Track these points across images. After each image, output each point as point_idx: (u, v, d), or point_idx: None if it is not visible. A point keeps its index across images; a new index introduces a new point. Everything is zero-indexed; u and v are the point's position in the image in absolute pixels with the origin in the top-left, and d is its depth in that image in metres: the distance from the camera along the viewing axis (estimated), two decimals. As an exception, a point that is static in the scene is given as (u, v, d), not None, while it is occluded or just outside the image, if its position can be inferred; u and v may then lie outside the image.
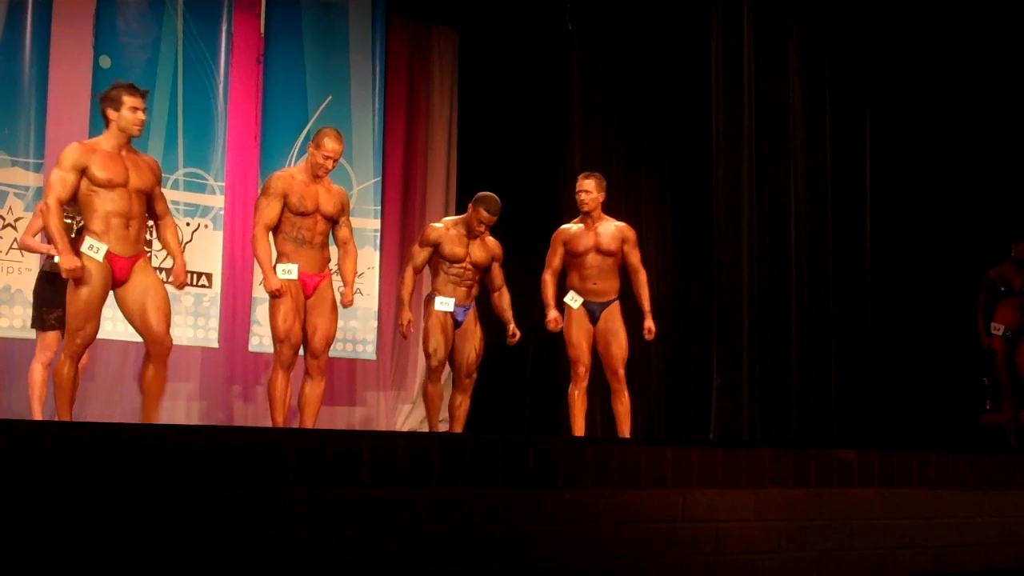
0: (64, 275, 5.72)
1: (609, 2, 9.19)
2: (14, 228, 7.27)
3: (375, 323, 8.68)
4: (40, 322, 6.80)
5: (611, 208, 7.67)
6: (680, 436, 7.51)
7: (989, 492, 5.85)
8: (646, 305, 7.24)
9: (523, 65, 9.54)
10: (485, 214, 7.13)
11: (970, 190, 8.61)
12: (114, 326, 7.07)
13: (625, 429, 7.25)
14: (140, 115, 5.88)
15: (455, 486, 4.96)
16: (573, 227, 7.35)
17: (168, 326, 5.93)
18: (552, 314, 7.23)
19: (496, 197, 7.16)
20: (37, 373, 6.80)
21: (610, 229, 7.30)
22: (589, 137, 9.11)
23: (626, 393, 7.24)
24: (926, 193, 8.52)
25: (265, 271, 6.44)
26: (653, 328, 7.23)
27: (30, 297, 7.26)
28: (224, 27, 8.31)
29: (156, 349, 5.89)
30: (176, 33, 8.12)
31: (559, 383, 9.02)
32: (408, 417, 9.34)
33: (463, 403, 7.31)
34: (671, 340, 7.39)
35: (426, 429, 7.82)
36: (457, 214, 7.70)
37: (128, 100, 5.86)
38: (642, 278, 7.30)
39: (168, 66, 8.08)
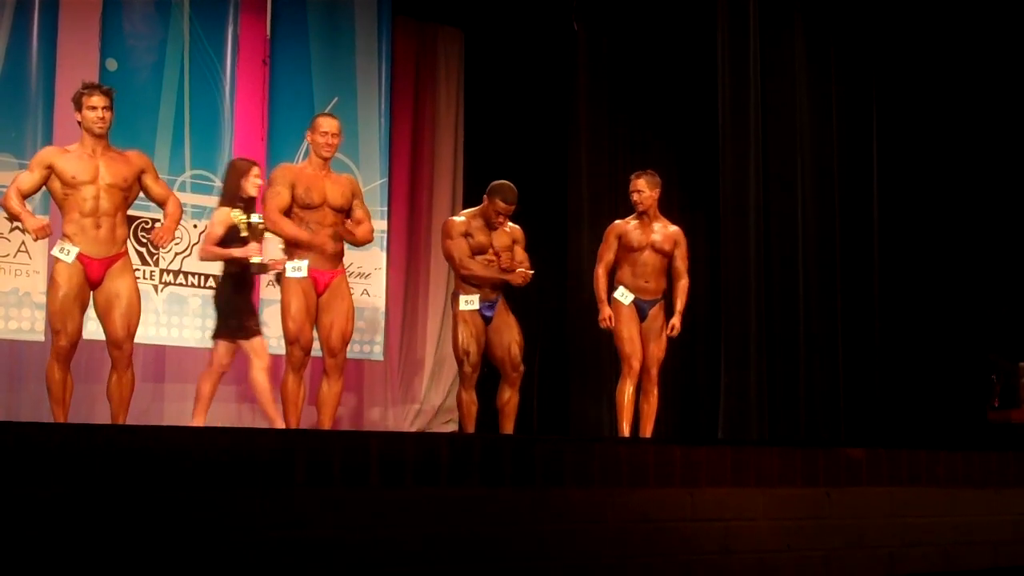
0: (33, 236, 6.06)
1: (614, 1, 9.19)
2: (22, 232, 7.27)
3: (383, 323, 8.68)
4: (243, 331, 7.07)
5: (620, 207, 7.69)
6: (688, 435, 7.51)
7: (999, 490, 5.86)
8: (679, 306, 7.28)
9: (529, 64, 9.54)
10: (502, 204, 6.97)
11: (977, 185, 8.59)
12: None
13: (648, 428, 7.25)
14: (99, 113, 6.03)
15: (464, 486, 4.97)
16: (629, 222, 7.33)
17: (130, 333, 6.08)
18: (606, 311, 7.20)
19: (512, 185, 7.00)
20: (260, 381, 7.08)
21: (666, 230, 7.31)
22: (595, 135, 9.11)
23: (656, 393, 7.26)
24: (933, 189, 8.51)
25: (299, 239, 6.41)
26: (678, 327, 7.25)
27: (38, 300, 7.30)
28: (230, 29, 8.33)
29: (116, 354, 6.07)
30: (183, 35, 8.14)
31: (567, 382, 9.04)
32: (416, 418, 9.34)
33: (512, 398, 7.05)
34: (678, 338, 7.37)
35: (433, 430, 7.82)
36: (450, 217, 7.59)
37: (86, 100, 6.03)
38: (684, 283, 7.31)
39: (175, 68, 8.10)
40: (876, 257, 8.38)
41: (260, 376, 7.12)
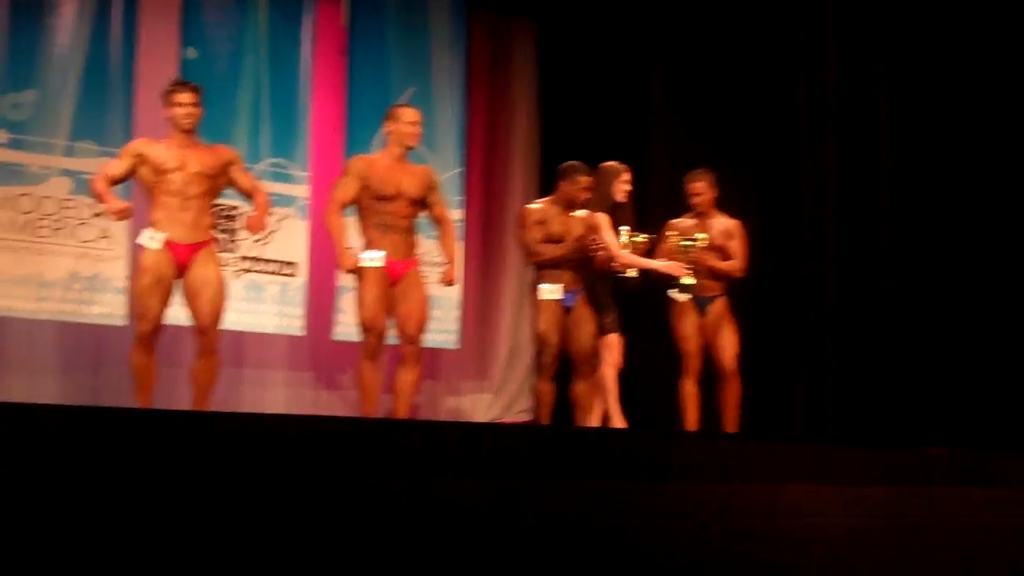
0: (114, 217, 6.26)
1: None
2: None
3: (458, 312, 8.67)
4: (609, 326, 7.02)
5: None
6: (764, 431, 7.42)
7: (1083, 491, 5.73)
8: (722, 265, 7.23)
9: (604, 53, 9.46)
10: (585, 179, 6.96)
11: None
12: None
13: (731, 421, 7.17)
14: (187, 109, 6.16)
15: (539, 479, 4.94)
16: (684, 222, 7.29)
17: (216, 319, 6.19)
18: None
19: (580, 162, 7.05)
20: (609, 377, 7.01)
21: (721, 225, 7.25)
22: (672, 125, 9.02)
23: (736, 384, 7.19)
24: (1017, 192, 8.32)
25: (339, 249, 6.43)
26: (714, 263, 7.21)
27: (119, 285, 7.36)
28: (308, 18, 8.34)
29: (201, 340, 6.18)
30: (261, 24, 8.15)
31: (636, 375, 8.94)
32: (490, 407, 9.32)
33: (587, 390, 7.00)
34: (753, 333, 7.29)
35: (509, 420, 7.80)
36: (525, 205, 7.54)
37: (174, 97, 6.16)
38: (736, 264, 7.27)
39: (253, 57, 8.12)
40: (957, 255, 8.21)
41: (611, 373, 7.04)
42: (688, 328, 7.22)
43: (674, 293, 7.21)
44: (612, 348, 6.98)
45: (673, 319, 7.27)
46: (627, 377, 8.23)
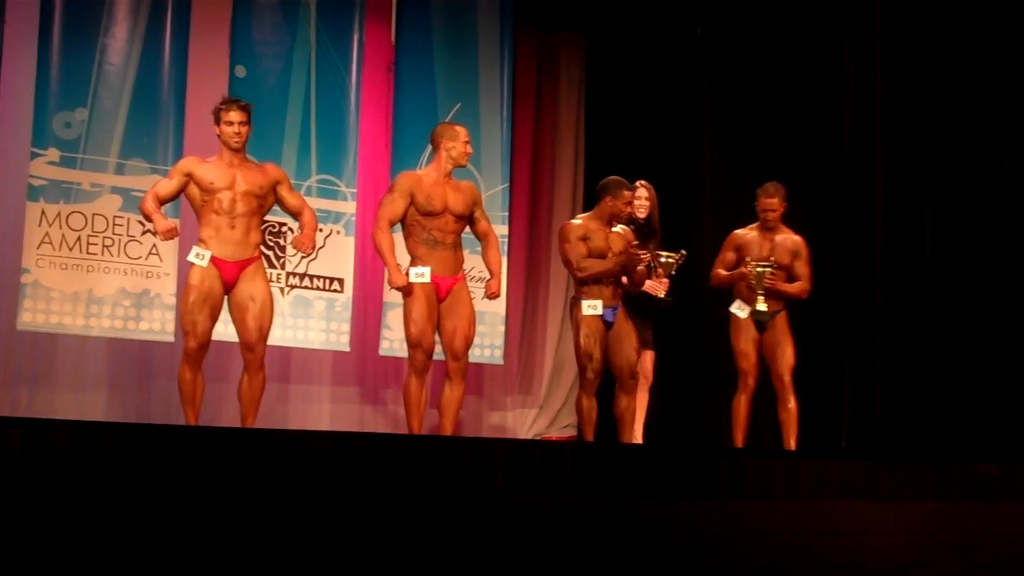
0: (161, 237, 6.23)
1: (738, 7, 9.04)
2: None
3: (502, 327, 8.63)
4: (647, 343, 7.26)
5: (743, 212, 7.56)
6: (814, 448, 7.34)
7: None
8: (789, 288, 7.18)
9: (650, 70, 9.42)
10: (628, 193, 6.99)
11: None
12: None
13: (791, 438, 7.11)
14: (236, 128, 6.20)
15: (584, 496, 4.90)
16: (748, 233, 7.25)
17: (263, 335, 6.21)
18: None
19: (622, 178, 7.05)
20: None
21: (787, 242, 7.19)
22: (719, 142, 8.98)
23: (793, 401, 7.13)
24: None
25: (389, 266, 6.45)
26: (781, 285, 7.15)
27: (168, 301, 7.39)
28: (356, 36, 8.33)
29: (248, 356, 6.19)
30: (309, 42, 8.16)
31: (686, 391, 8.89)
32: (534, 423, 9.29)
33: (629, 405, 6.97)
34: (802, 349, 7.22)
35: (553, 435, 7.77)
36: (568, 221, 7.52)
37: (224, 114, 6.22)
38: (802, 285, 7.20)
39: (301, 75, 8.13)
40: (1008, 271, 8.12)
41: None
42: (747, 344, 7.17)
43: (735, 309, 7.19)
44: (644, 364, 7.14)
45: (733, 335, 7.23)
46: (669, 393, 8.21)
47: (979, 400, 7.90)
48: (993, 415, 7.89)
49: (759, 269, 7.03)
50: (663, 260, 7.13)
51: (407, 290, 6.41)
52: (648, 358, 7.51)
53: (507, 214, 8.71)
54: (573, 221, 7.19)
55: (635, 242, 7.08)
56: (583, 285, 6.98)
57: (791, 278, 7.23)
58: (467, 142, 6.58)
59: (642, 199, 7.45)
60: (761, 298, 7.02)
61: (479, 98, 8.72)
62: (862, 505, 5.10)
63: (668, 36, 9.34)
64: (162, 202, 6.21)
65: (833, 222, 8.49)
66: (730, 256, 7.30)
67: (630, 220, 7.23)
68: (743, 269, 7.15)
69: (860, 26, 8.32)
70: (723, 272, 7.29)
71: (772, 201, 7.20)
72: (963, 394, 7.90)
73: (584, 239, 6.96)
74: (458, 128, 6.64)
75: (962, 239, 8.11)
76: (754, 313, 7.09)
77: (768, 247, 7.19)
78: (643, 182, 7.55)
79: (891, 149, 8.13)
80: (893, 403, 7.87)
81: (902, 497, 5.19)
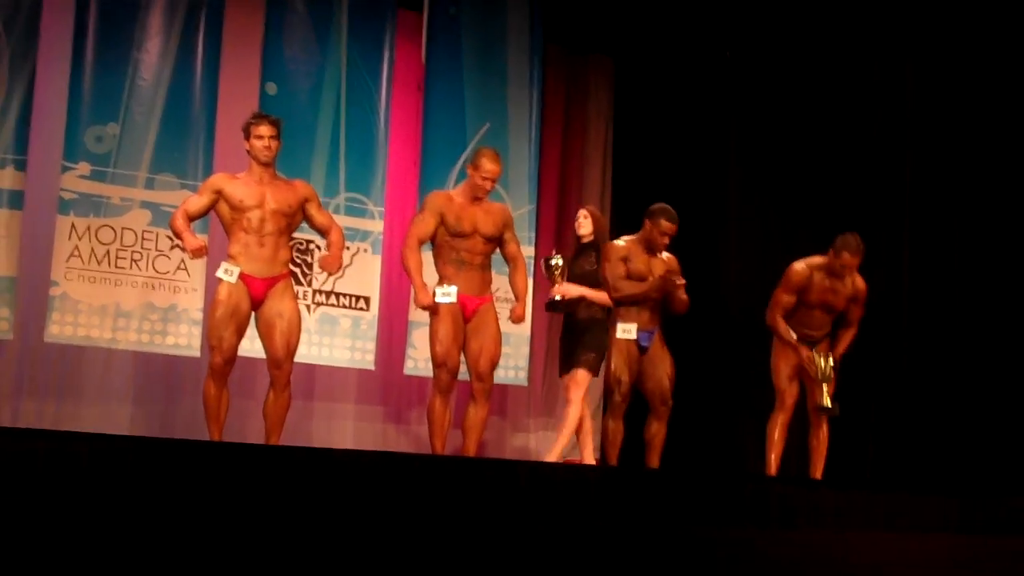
0: (190, 255, 6.22)
1: (766, 31, 9.01)
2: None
3: (527, 349, 8.61)
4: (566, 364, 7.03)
5: (773, 236, 7.50)
6: (838, 478, 7.30)
7: None
8: (839, 349, 7.12)
9: (679, 93, 9.41)
10: (667, 224, 6.92)
11: None
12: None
13: (819, 467, 7.06)
14: (266, 142, 6.20)
15: (606, 520, 4.87)
16: (812, 273, 7.07)
17: (290, 352, 6.20)
18: (805, 353, 6.99)
19: (672, 208, 6.96)
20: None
21: (853, 289, 7.09)
22: (749, 165, 8.93)
23: (825, 429, 7.10)
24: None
25: (416, 285, 6.43)
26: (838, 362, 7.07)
27: (195, 316, 7.40)
28: (387, 55, 8.34)
29: (275, 373, 6.18)
30: (340, 61, 8.17)
31: (716, 417, 8.83)
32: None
33: (659, 431, 6.99)
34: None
35: (576, 458, 7.72)
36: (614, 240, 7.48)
37: (254, 129, 6.21)
38: (852, 333, 7.16)
39: (332, 93, 8.14)
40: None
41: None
42: (788, 367, 7.08)
43: (783, 333, 7.13)
44: (580, 385, 6.94)
45: (774, 356, 7.17)
46: (697, 415, 8.16)
47: (1005, 432, 7.82)
48: (1019, 447, 7.82)
49: (826, 365, 6.90)
50: (824, 373, 6.97)
51: (433, 309, 6.39)
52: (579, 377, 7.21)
53: (534, 234, 8.70)
54: (616, 242, 7.17)
55: (675, 269, 7.05)
56: (619, 306, 6.98)
57: (840, 314, 7.11)
58: (486, 178, 6.44)
59: (579, 219, 7.28)
60: (827, 394, 6.88)
61: (508, 119, 8.72)
62: (886, 536, 5.05)
63: (697, 59, 9.32)
64: (192, 219, 6.21)
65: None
66: (791, 300, 7.10)
67: (576, 239, 7.16)
68: (807, 362, 6.99)
69: (890, 53, 8.28)
70: (784, 325, 7.08)
71: (855, 261, 6.99)
72: (987, 426, 7.82)
73: (625, 260, 6.96)
74: (484, 159, 6.50)
75: (993, 271, 8.05)
76: (819, 408, 6.97)
77: (830, 296, 7.06)
78: (589, 207, 7.44)
79: (920, 180, 8.08)
80: (918, 434, 7.79)
81: (927, 528, 5.14)
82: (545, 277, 6.95)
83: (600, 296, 6.92)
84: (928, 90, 8.20)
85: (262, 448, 5.67)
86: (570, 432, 7.13)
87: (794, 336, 7.01)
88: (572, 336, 6.97)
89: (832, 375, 6.90)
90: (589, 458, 7.26)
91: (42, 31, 7.32)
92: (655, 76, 9.57)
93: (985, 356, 7.88)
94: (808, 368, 6.94)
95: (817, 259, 7.10)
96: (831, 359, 6.95)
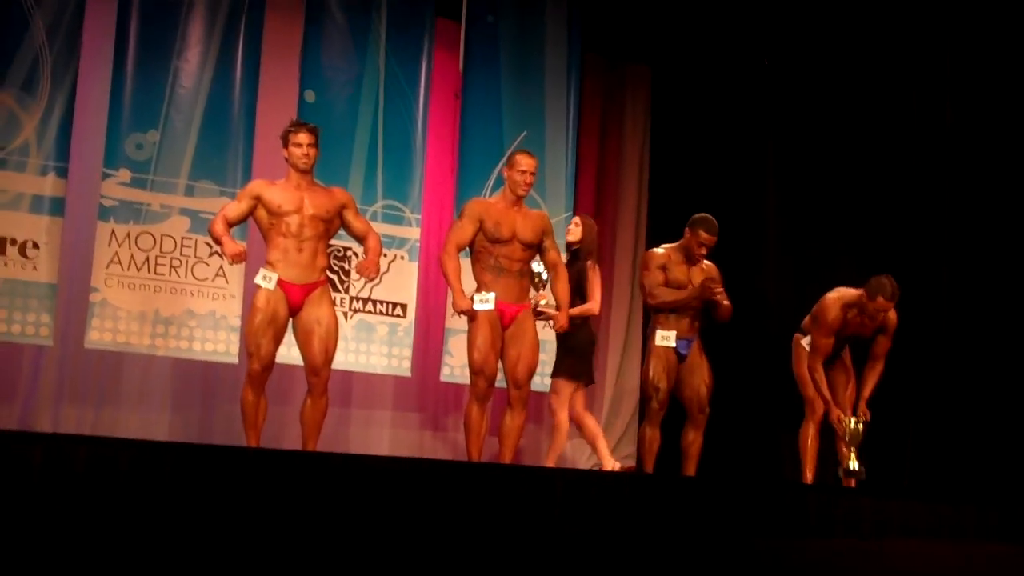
0: (230, 260, 6.19)
1: (804, 39, 8.96)
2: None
3: (565, 357, 8.56)
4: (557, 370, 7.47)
5: (812, 248, 7.45)
6: (876, 486, 7.26)
7: None
8: (866, 391, 7.08)
9: (717, 101, 9.37)
10: (705, 235, 6.89)
11: None
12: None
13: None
14: (304, 149, 6.23)
15: (642, 529, 4.85)
16: (847, 312, 7.03)
17: (328, 359, 6.20)
18: (836, 412, 6.96)
19: (713, 219, 6.93)
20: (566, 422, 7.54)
21: (888, 321, 7.04)
22: (787, 175, 8.89)
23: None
24: None
25: (454, 290, 6.43)
26: (867, 414, 7.02)
27: (233, 323, 7.44)
28: (424, 63, 8.35)
29: (313, 380, 6.19)
30: (378, 69, 8.19)
31: (749, 426, 8.79)
32: (593, 454, 9.21)
33: (696, 440, 6.98)
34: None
35: (608, 467, 7.71)
36: (652, 247, 7.48)
37: (292, 137, 6.26)
38: (879, 369, 7.11)
39: (370, 101, 8.16)
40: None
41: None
42: (818, 376, 7.05)
43: (805, 343, 7.11)
44: (560, 393, 7.30)
45: (795, 363, 7.16)
46: (734, 424, 8.12)
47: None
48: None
49: (855, 426, 6.83)
50: (852, 432, 6.90)
51: (471, 315, 6.38)
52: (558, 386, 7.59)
53: (570, 243, 8.66)
54: (656, 249, 7.17)
55: (715, 277, 7.02)
56: (658, 314, 6.99)
57: (863, 342, 7.07)
58: (524, 171, 6.47)
59: (570, 226, 7.57)
60: (854, 457, 6.80)
61: (545, 127, 8.71)
62: (924, 544, 5.00)
63: (735, 68, 9.28)
64: (231, 225, 6.23)
65: (896, 263, 8.37)
66: (830, 342, 7.06)
67: (567, 245, 7.40)
68: (836, 423, 6.94)
69: (932, 61, 8.22)
70: (822, 375, 7.02)
71: (889, 306, 6.92)
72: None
73: (663, 268, 6.95)
74: (517, 156, 6.56)
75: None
76: (846, 472, 6.89)
77: (861, 328, 7.01)
78: (581, 215, 7.68)
79: (961, 192, 8.01)
80: (956, 441, 7.73)
81: (966, 537, 5.09)
82: (530, 284, 6.93)
83: (583, 309, 7.19)
84: (971, 104, 8.13)
85: (299, 455, 5.69)
86: (561, 441, 7.48)
87: (828, 393, 6.96)
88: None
89: (861, 436, 6.81)
90: (608, 461, 7.33)
91: (84, 39, 7.38)
92: (692, 85, 9.53)
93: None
94: (836, 428, 6.91)
95: (851, 294, 7.02)
96: (861, 419, 6.88)
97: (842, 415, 6.92)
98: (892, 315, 7.04)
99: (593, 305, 7.45)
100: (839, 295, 7.03)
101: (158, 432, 7.70)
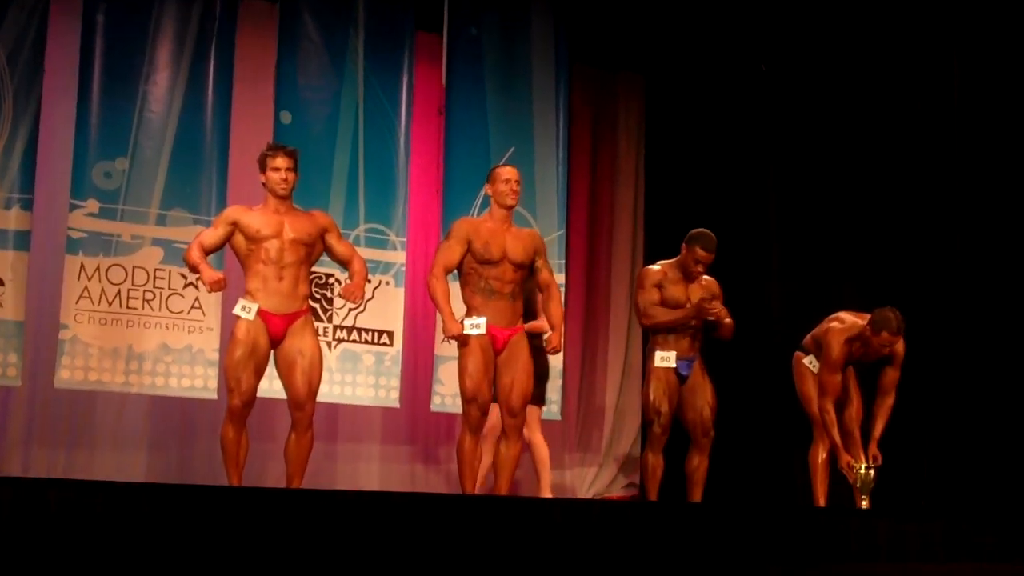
0: (208, 288, 6.13)
1: (803, 43, 8.98)
2: (196, 287, 7.40)
3: (560, 381, 8.58)
4: None
5: (814, 260, 7.45)
6: (893, 507, 7.25)
7: None
8: (876, 431, 7.01)
9: (714, 110, 9.36)
10: (702, 252, 6.86)
11: None
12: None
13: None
14: (283, 174, 6.21)
15: (646, 560, 4.85)
16: (851, 346, 6.96)
17: (312, 392, 6.17)
18: (846, 459, 6.89)
19: (712, 234, 6.90)
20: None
21: (895, 353, 6.99)
22: (788, 186, 8.88)
23: (862, 454, 7.01)
24: None
25: (444, 315, 6.39)
26: (879, 458, 6.97)
27: (211, 357, 7.42)
28: (405, 79, 8.37)
29: (296, 415, 6.15)
30: (357, 87, 8.21)
31: (754, 448, 8.79)
32: (594, 481, 9.21)
33: (701, 464, 6.95)
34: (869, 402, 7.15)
35: (615, 494, 7.72)
36: (649, 264, 7.48)
37: (270, 161, 6.24)
38: (889, 403, 7.05)
39: (349, 120, 8.17)
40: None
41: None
42: (814, 389, 7.06)
43: (807, 361, 7.12)
44: (531, 418, 7.20)
45: (797, 380, 7.16)
46: (744, 447, 8.11)
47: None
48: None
49: (865, 471, 6.78)
50: (862, 478, 6.81)
51: (462, 340, 6.37)
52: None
53: (564, 261, 8.69)
54: (651, 267, 7.15)
55: (716, 294, 7.01)
56: (655, 334, 6.97)
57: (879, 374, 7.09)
58: (508, 179, 6.47)
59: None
60: (866, 502, 6.75)
61: (534, 141, 8.73)
62: (943, 568, 5.00)
63: (732, 75, 9.28)
64: (207, 252, 6.21)
65: (901, 268, 8.38)
66: (838, 380, 7.00)
67: None
68: (846, 469, 6.88)
69: (934, 59, 8.25)
70: (832, 417, 6.92)
71: (894, 340, 6.84)
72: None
73: (659, 286, 6.94)
74: (497, 169, 6.59)
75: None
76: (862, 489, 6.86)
77: (865, 357, 6.99)
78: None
79: (970, 200, 8.02)
80: (976, 458, 7.73)
81: (985, 559, 5.08)
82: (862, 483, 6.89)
83: (534, 326, 7.05)
84: (980, 107, 8.15)
85: (284, 493, 5.67)
86: (546, 463, 7.53)
87: (839, 439, 6.93)
88: None
89: (873, 482, 6.78)
90: (546, 491, 7.32)
91: (47, 64, 7.40)
92: (688, 93, 9.53)
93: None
94: (847, 475, 6.88)
95: (854, 327, 6.96)
96: (872, 464, 6.85)
97: (852, 461, 6.86)
98: (899, 347, 6.99)
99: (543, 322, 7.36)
100: (843, 328, 6.99)
101: (135, 474, 7.69)
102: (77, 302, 7.30)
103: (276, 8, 8.13)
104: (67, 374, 7.25)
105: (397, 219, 8.17)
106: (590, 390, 9.44)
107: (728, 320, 6.95)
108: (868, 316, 6.89)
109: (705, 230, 6.95)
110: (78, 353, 7.26)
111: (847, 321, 7.02)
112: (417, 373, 8.50)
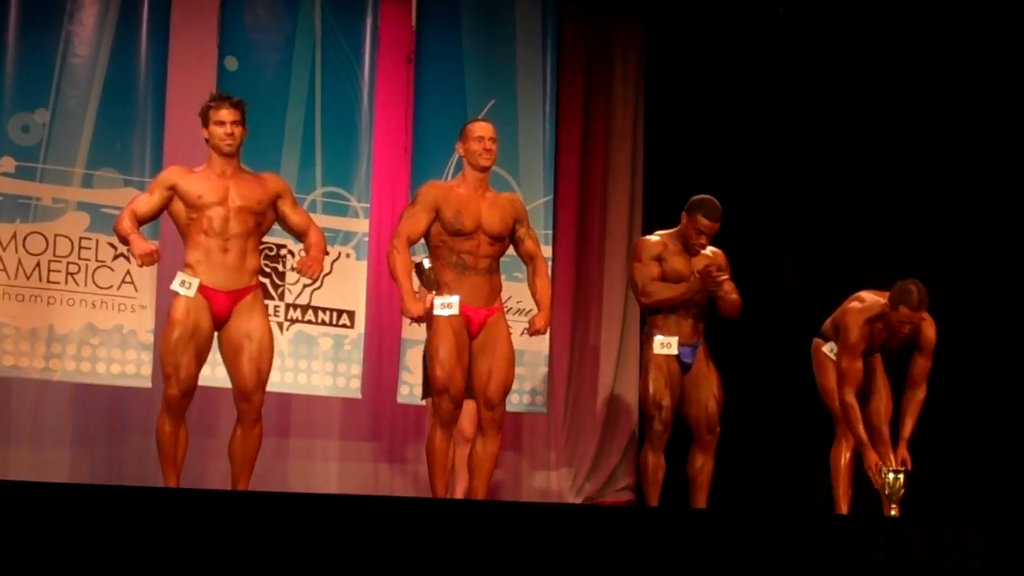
0: (139, 262, 6.16)
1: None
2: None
3: (545, 369, 8.62)
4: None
5: (832, 226, 7.47)
6: (925, 516, 7.31)
7: None
8: (906, 431, 7.06)
9: (723, 59, 9.38)
10: (705, 221, 6.89)
11: None
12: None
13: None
14: (228, 128, 6.19)
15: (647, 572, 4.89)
16: (872, 327, 7.00)
17: (261, 382, 6.21)
18: (873, 460, 6.92)
19: (715, 201, 6.93)
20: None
21: (924, 339, 7.04)
22: (805, 144, 8.91)
23: (891, 454, 7.06)
24: None
25: (404, 291, 6.39)
26: (908, 462, 7.00)
27: (144, 339, 7.42)
28: (369, 20, 8.37)
29: (243, 407, 6.19)
30: (313, 29, 8.20)
31: (765, 449, 8.84)
32: (584, 484, 9.25)
33: (706, 465, 7.01)
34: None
35: (608, 499, 7.76)
36: (647, 235, 7.50)
37: (213, 114, 6.20)
38: (920, 397, 7.09)
39: (304, 67, 8.18)
40: None
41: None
42: (835, 381, 7.09)
43: (827, 349, 7.15)
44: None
45: (818, 373, 7.19)
46: (754, 446, 8.16)
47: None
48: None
49: (894, 476, 6.80)
50: (890, 483, 6.85)
51: (424, 321, 6.38)
52: None
53: (551, 232, 8.72)
54: (649, 238, 7.18)
55: (721, 264, 7.01)
56: (654, 315, 6.99)
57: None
58: (481, 137, 6.45)
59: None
60: (895, 509, 6.78)
61: (517, 94, 8.75)
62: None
63: (744, 18, 9.28)
64: (141, 221, 6.20)
65: (935, 241, 8.42)
66: (860, 366, 7.04)
67: None
68: (873, 472, 6.90)
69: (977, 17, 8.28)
70: (857, 412, 6.96)
71: (916, 316, 6.85)
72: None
73: (659, 259, 6.95)
74: (474, 124, 6.60)
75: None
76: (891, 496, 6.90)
77: (889, 341, 7.03)
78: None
79: (1017, 169, 8.07)
80: (1018, 462, 7.79)
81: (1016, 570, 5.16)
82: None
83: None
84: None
85: (229, 495, 5.69)
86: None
87: (863, 433, 6.94)
88: None
89: (903, 489, 6.80)
90: (460, 492, 7.22)
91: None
92: (694, 40, 9.56)
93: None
94: (873, 480, 6.90)
95: (875, 305, 7.00)
96: (902, 468, 6.87)
97: (881, 463, 6.87)
98: (929, 330, 7.03)
99: None
100: (862, 308, 7.01)
101: (56, 473, 7.69)
102: (-11, 276, 7.29)
103: (221, -64, 8.12)
104: (-23, 358, 7.25)
105: (359, 182, 8.18)
106: (580, 379, 9.47)
107: (734, 296, 6.96)
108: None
109: (708, 196, 6.97)
110: (-9, 334, 7.26)
111: (867, 300, 7.05)
112: (381, 359, 8.53)
